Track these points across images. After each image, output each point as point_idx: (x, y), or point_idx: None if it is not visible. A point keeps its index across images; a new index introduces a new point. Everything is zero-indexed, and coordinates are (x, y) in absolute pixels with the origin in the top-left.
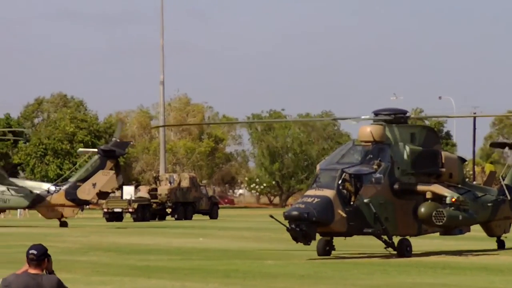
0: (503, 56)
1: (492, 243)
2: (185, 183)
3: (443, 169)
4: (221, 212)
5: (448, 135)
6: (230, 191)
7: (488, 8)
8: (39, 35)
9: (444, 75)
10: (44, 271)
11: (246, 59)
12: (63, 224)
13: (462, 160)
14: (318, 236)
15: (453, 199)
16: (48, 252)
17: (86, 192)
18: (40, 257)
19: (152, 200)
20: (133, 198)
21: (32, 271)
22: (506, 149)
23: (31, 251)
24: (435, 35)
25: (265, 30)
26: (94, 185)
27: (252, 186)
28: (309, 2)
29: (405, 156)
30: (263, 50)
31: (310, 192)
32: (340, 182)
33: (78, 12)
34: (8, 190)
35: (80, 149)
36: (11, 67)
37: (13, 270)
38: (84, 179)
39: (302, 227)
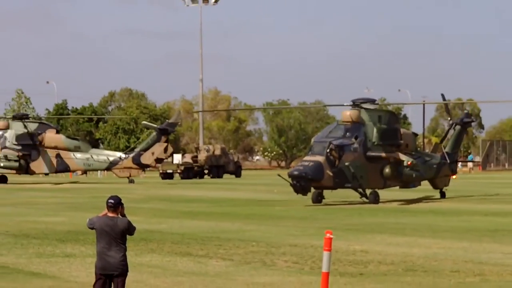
0: (445, 58)
1: (436, 194)
2: (217, 152)
3: (402, 141)
4: (243, 172)
5: (405, 117)
6: (250, 157)
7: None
8: (112, 46)
9: (403, 74)
10: (119, 215)
11: (261, 62)
12: (131, 181)
13: (415, 134)
14: (312, 189)
15: (409, 163)
16: (121, 201)
17: (147, 158)
18: (116, 204)
19: (194, 164)
20: (180, 162)
21: (110, 214)
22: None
23: (109, 200)
24: (399, 46)
25: (272, 40)
26: (153, 153)
27: (265, 154)
28: (305, 26)
29: (375, 132)
30: (273, 55)
31: (307, 158)
32: (328, 150)
33: (142, 30)
34: (92, 156)
35: (144, 122)
36: (92, 69)
37: (97, 214)
38: (145, 149)
39: (301, 183)
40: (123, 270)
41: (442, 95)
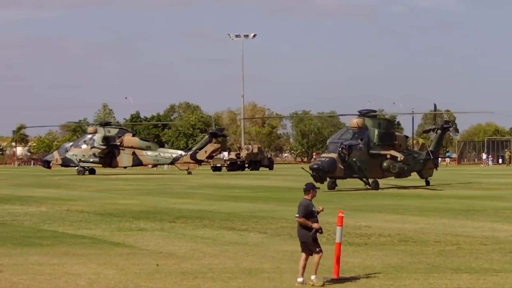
0: (430, 79)
1: (422, 182)
2: (255, 150)
3: (396, 142)
4: (275, 166)
5: (398, 123)
6: (280, 154)
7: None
8: (174, 69)
9: (397, 91)
10: (311, 197)
11: (288, 81)
12: (189, 173)
13: (406, 137)
14: (328, 179)
15: (401, 158)
16: (314, 186)
17: (201, 155)
18: (306, 189)
19: (237, 159)
20: (227, 158)
21: (305, 196)
22: (431, 132)
23: (305, 186)
24: (394, 70)
25: (297, 64)
26: (206, 151)
27: (292, 151)
28: (322, 54)
29: (375, 135)
30: (298, 76)
31: (323, 155)
32: (340, 149)
33: (197, 57)
34: (159, 154)
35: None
36: (159, 87)
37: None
38: (200, 148)
39: (319, 174)
40: (306, 238)
41: (435, 104)
